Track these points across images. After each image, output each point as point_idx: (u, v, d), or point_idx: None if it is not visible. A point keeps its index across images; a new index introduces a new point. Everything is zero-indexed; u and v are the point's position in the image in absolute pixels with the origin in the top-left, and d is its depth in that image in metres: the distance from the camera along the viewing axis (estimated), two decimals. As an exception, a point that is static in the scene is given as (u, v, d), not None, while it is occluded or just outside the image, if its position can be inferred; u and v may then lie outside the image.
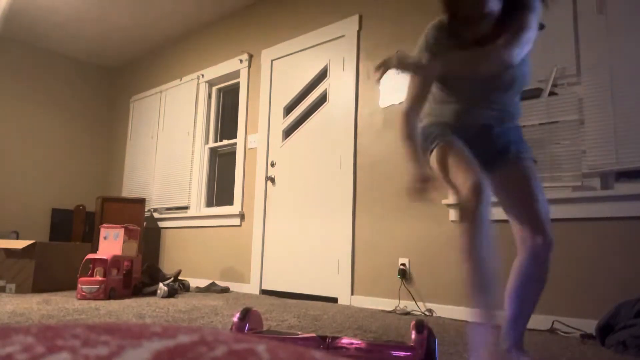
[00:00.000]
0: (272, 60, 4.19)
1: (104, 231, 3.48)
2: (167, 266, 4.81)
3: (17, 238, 4.93)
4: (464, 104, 1.59)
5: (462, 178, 1.43)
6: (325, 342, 1.41)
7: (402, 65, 1.48)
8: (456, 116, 1.60)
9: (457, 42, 1.56)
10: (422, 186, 1.45)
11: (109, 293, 3.17)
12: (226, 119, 4.85)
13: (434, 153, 1.56)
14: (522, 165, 1.57)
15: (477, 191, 1.37)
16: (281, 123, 4.02)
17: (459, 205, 1.42)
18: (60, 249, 3.70)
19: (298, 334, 1.50)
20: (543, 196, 1.55)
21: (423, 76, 1.57)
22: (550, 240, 1.52)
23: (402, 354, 1.33)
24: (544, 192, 1.57)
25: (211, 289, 3.88)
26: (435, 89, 1.66)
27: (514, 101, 1.61)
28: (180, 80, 5.10)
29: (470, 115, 1.59)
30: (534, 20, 1.47)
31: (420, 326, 1.39)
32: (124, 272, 3.44)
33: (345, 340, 1.41)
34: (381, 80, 1.52)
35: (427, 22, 3.16)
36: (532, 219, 1.53)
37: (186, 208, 4.78)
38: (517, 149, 1.60)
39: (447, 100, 1.62)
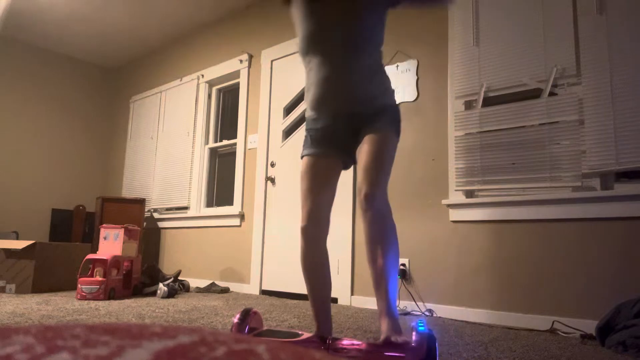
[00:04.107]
0: (272, 61, 4.19)
1: (103, 231, 3.47)
2: (167, 266, 4.81)
3: (17, 238, 4.93)
4: (319, 86, 1.66)
5: (303, 210, 1.67)
6: (326, 344, 1.41)
7: None
8: (315, 105, 1.70)
9: None
10: None
11: (109, 293, 3.17)
12: (226, 119, 4.85)
13: (302, 162, 1.75)
14: (369, 134, 1.64)
15: (306, 234, 1.65)
16: (281, 123, 4.02)
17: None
18: (60, 249, 3.70)
19: (299, 335, 1.50)
20: (375, 160, 1.60)
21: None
22: (371, 197, 1.57)
23: (402, 355, 1.33)
24: (382, 157, 1.61)
25: (211, 289, 3.88)
26: (304, 61, 1.74)
27: (369, 85, 1.66)
28: (180, 80, 5.10)
29: (324, 101, 1.67)
30: None
31: (420, 327, 1.39)
32: (124, 272, 3.44)
33: (345, 342, 1.41)
34: None
35: (425, 23, 3.17)
36: (359, 182, 1.60)
37: (186, 208, 4.78)
38: (372, 126, 1.65)
39: (309, 82, 1.72)
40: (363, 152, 1.63)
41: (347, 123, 1.68)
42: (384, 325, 1.50)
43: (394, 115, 1.69)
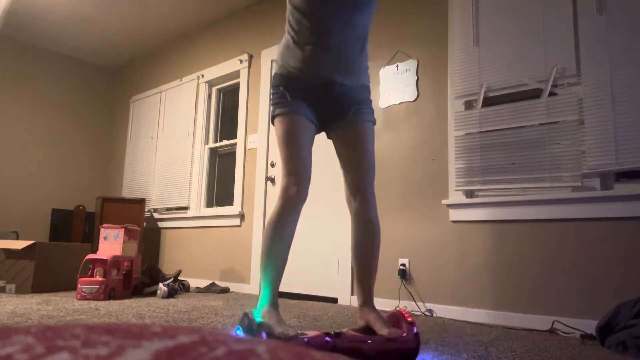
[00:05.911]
0: (272, 61, 4.19)
1: (103, 231, 3.47)
2: (167, 266, 4.81)
3: (17, 238, 4.93)
4: (310, 47, 1.61)
5: (291, 174, 1.61)
6: (331, 339, 1.43)
7: None
8: (300, 66, 1.64)
9: None
10: None
11: (109, 293, 3.17)
12: (226, 119, 4.85)
13: (276, 122, 1.68)
14: (359, 127, 1.69)
15: (293, 197, 1.59)
16: (281, 123, 4.01)
17: (280, 191, 1.63)
18: (60, 249, 3.70)
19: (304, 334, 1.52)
20: (370, 161, 1.69)
21: None
22: (367, 202, 1.66)
23: (401, 340, 1.41)
24: (373, 156, 1.71)
25: (211, 289, 3.88)
26: (289, 16, 1.68)
27: (358, 57, 1.68)
28: (180, 80, 5.10)
29: (314, 65, 1.63)
30: None
31: (403, 316, 1.50)
32: (124, 272, 3.44)
33: (351, 336, 1.44)
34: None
35: (425, 23, 3.17)
36: (354, 182, 1.67)
37: (186, 208, 4.78)
38: (358, 109, 1.69)
39: (295, 42, 1.65)
40: (355, 150, 1.68)
41: (333, 95, 1.66)
42: (372, 318, 1.57)
43: (370, 102, 1.75)
